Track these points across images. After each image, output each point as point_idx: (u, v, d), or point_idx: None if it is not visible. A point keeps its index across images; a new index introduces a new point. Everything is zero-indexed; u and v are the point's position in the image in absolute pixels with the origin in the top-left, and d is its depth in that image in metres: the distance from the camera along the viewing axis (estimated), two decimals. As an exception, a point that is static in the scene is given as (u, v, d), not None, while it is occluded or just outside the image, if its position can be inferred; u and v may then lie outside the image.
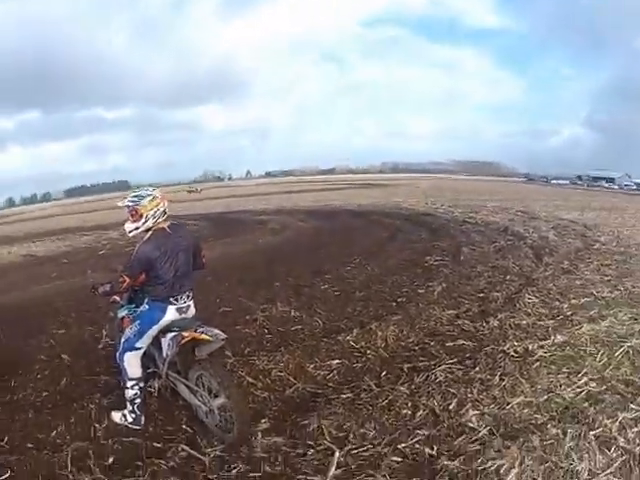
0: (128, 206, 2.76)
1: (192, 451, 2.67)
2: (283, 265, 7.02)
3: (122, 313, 3.03)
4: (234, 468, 2.50)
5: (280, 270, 6.72)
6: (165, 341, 2.85)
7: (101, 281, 2.84)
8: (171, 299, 2.82)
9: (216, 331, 2.72)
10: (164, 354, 2.89)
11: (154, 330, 2.84)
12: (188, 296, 2.93)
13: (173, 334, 2.79)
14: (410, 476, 2.31)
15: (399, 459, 2.45)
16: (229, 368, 3.55)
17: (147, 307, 2.84)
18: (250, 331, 4.44)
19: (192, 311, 2.96)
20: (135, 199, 2.76)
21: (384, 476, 2.31)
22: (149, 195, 2.77)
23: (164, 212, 2.80)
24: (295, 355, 3.77)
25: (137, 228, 2.77)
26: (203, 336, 2.68)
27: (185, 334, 2.71)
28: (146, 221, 2.74)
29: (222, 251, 9.05)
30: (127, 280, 2.69)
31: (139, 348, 2.87)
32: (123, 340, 2.90)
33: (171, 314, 2.83)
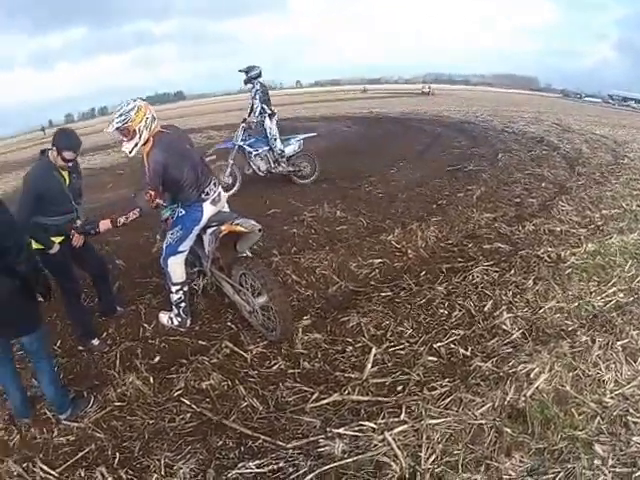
0: (118, 128, 2.54)
1: (235, 348, 2.69)
2: (330, 168, 6.75)
3: (166, 214, 2.94)
4: (274, 364, 2.54)
5: (328, 173, 6.52)
6: (206, 238, 2.85)
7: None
8: (202, 195, 2.73)
9: (252, 222, 2.68)
10: (206, 251, 2.91)
11: (196, 231, 2.79)
12: (215, 184, 2.83)
13: (212, 229, 2.79)
14: (444, 376, 2.31)
15: (434, 358, 2.45)
16: (275, 267, 3.55)
17: (183, 211, 2.77)
18: (297, 231, 4.42)
19: (224, 196, 2.90)
20: (122, 118, 2.54)
21: (418, 375, 2.31)
22: (134, 108, 2.53)
23: (154, 118, 2.59)
24: (339, 254, 3.76)
25: (136, 145, 2.58)
26: (238, 227, 2.67)
27: (223, 227, 2.71)
28: (141, 135, 2.55)
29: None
30: (153, 193, 2.55)
31: (182, 252, 2.83)
32: (165, 245, 2.85)
33: (208, 209, 2.76)
